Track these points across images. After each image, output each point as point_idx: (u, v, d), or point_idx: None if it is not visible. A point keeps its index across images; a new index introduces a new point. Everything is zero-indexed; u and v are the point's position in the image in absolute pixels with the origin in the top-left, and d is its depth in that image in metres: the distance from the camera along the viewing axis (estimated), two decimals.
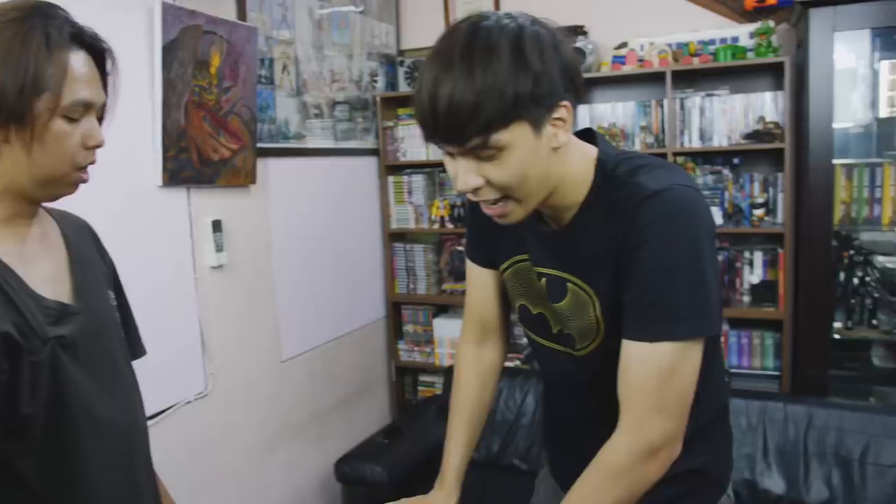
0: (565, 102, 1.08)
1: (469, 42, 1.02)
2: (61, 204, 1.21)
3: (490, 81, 1.00)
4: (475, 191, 1.10)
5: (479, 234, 1.42)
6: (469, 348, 1.53)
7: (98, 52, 1.12)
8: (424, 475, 2.93)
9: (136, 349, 1.40)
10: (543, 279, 1.28)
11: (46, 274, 1.14)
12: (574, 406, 1.39)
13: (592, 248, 1.18)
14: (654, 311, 1.10)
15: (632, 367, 1.13)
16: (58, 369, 1.08)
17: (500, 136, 1.03)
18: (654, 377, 1.11)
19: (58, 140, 1.05)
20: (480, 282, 1.48)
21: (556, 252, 1.25)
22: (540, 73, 1.02)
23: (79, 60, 1.06)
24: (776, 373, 3.10)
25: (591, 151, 1.21)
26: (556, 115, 1.08)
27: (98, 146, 1.11)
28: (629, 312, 1.14)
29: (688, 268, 1.10)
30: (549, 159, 1.10)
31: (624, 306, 1.15)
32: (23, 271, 1.08)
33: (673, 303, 1.10)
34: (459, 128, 1.02)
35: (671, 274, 1.10)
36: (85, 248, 1.27)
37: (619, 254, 1.14)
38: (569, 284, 1.23)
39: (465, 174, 1.09)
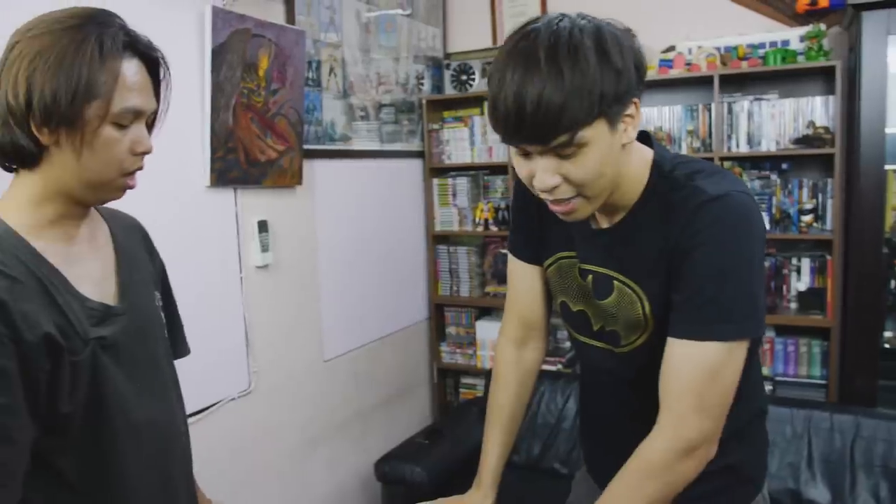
0: (636, 99, 1.11)
1: (553, 42, 1.03)
2: (113, 203, 1.25)
3: (578, 81, 1.01)
4: (552, 189, 1.12)
5: (525, 230, 1.43)
6: (509, 348, 1.53)
7: (152, 61, 1.14)
8: (464, 477, 2.94)
9: (180, 349, 1.43)
10: (590, 276, 1.29)
11: (93, 274, 1.16)
12: (614, 403, 1.39)
13: (644, 246, 1.20)
14: (705, 311, 1.12)
15: (676, 365, 1.14)
16: (98, 370, 1.10)
17: (585, 134, 1.05)
18: (698, 376, 1.12)
19: (107, 146, 1.07)
20: (524, 279, 1.48)
21: (605, 250, 1.26)
22: (621, 70, 1.05)
23: (131, 68, 1.09)
24: (823, 381, 3.04)
25: (648, 153, 1.23)
26: (627, 111, 1.10)
27: (146, 153, 1.13)
28: (678, 312, 1.15)
29: (740, 272, 1.12)
30: (619, 156, 1.13)
31: (672, 305, 1.17)
32: (69, 272, 1.11)
33: (723, 305, 1.12)
34: (547, 127, 1.03)
35: (724, 277, 1.12)
36: (133, 249, 1.29)
37: (671, 254, 1.16)
38: (615, 282, 1.25)
39: (543, 173, 1.10)
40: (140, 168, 1.14)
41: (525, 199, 1.38)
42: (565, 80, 1.01)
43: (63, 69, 1.02)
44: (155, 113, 1.17)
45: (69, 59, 1.02)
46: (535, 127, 1.03)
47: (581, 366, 1.49)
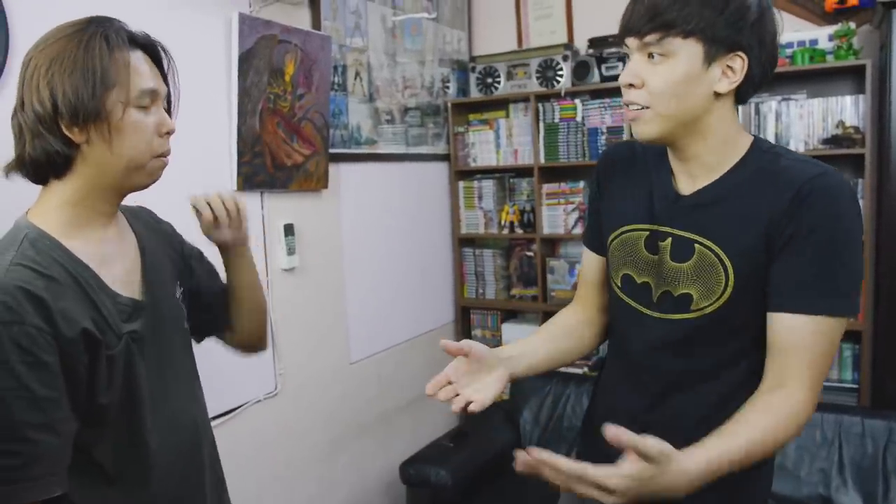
0: (742, 54, 1.18)
1: None
2: (144, 203, 1.30)
3: None
4: (629, 87, 1.22)
5: (592, 219, 1.53)
6: (565, 313, 1.59)
7: (153, 50, 1.21)
8: (488, 480, 2.95)
9: (214, 326, 1.52)
10: (668, 239, 1.31)
11: (121, 273, 1.22)
12: (645, 392, 1.37)
13: (736, 211, 1.24)
14: (827, 286, 1.18)
15: (799, 336, 1.19)
16: (130, 362, 1.17)
17: (675, 42, 1.16)
18: (822, 350, 1.19)
19: (135, 128, 1.14)
20: (590, 268, 1.55)
21: (689, 213, 1.29)
22: (737, 13, 1.16)
23: (137, 58, 1.16)
24: (854, 385, 2.99)
25: (748, 135, 1.31)
26: (729, 62, 1.19)
27: (170, 133, 1.20)
28: (795, 286, 1.20)
29: (856, 249, 1.21)
30: (706, 99, 1.21)
31: (781, 278, 1.21)
32: (101, 270, 1.17)
33: (843, 281, 1.19)
34: (645, 20, 1.17)
35: (844, 253, 1.18)
36: (155, 246, 1.35)
37: (775, 223, 1.20)
38: (697, 245, 1.27)
39: (631, 69, 1.22)
40: (168, 150, 1.21)
41: (594, 187, 1.51)
42: None
43: (78, 67, 1.09)
44: (168, 97, 1.24)
45: (81, 58, 1.09)
46: (638, 18, 1.18)
47: (620, 346, 1.46)
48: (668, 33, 1.16)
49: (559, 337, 1.53)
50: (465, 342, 1.33)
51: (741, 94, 1.25)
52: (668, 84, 1.18)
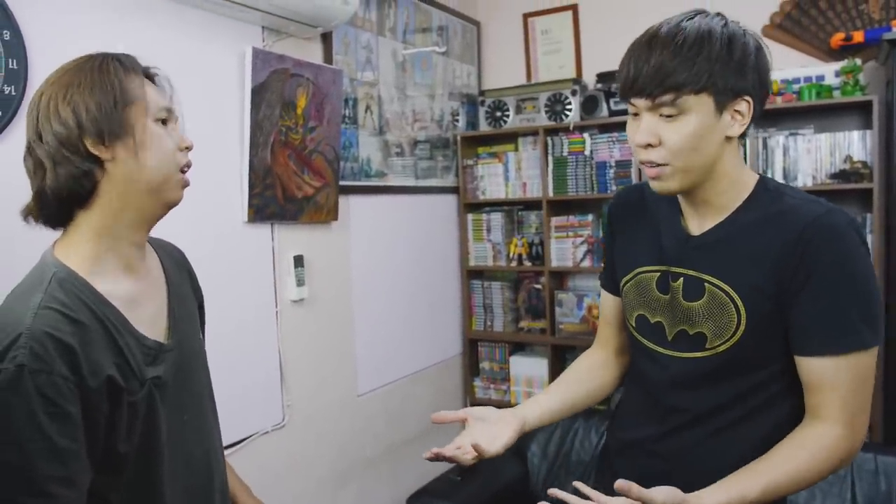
0: (748, 98, 1.21)
1: (686, 26, 1.19)
2: (155, 233, 1.29)
3: (695, 54, 1.16)
4: (646, 147, 1.22)
5: (607, 262, 1.54)
6: (590, 355, 1.62)
7: (155, 80, 1.22)
8: None
9: None
10: (680, 280, 1.32)
11: (149, 313, 1.20)
12: (667, 416, 1.37)
13: (744, 250, 1.26)
14: (846, 322, 1.19)
15: (830, 376, 1.21)
16: (151, 408, 1.14)
17: (688, 100, 1.17)
18: (856, 382, 1.21)
19: (159, 141, 1.14)
20: (609, 309, 1.58)
21: (699, 253, 1.31)
22: (741, 64, 1.18)
23: (148, 83, 1.18)
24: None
25: (753, 173, 1.32)
26: (737, 106, 1.21)
27: (190, 148, 1.20)
28: (812, 329, 1.21)
29: (868, 278, 1.21)
30: (719, 146, 1.23)
31: (798, 322, 1.22)
32: (130, 313, 1.14)
33: (863, 314, 1.19)
34: (656, 83, 1.17)
35: (857, 285, 1.19)
36: (181, 283, 1.33)
37: (783, 264, 1.21)
38: (707, 285, 1.28)
39: (645, 128, 1.22)
40: (189, 164, 1.20)
41: (606, 231, 1.54)
42: (684, 49, 1.16)
43: (97, 86, 1.09)
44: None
45: (98, 80, 1.10)
46: (647, 81, 1.17)
47: (639, 383, 1.48)
48: (681, 93, 1.17)
49: (574, 382, 1.56)
50: (463, 410, 1.42)
51: (743, 133, 1.27)
52: (686, 139, 1.19)
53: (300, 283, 2.63)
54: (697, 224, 1.32)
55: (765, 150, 3.05)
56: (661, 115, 1.20)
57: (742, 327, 1.25)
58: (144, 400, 1.12)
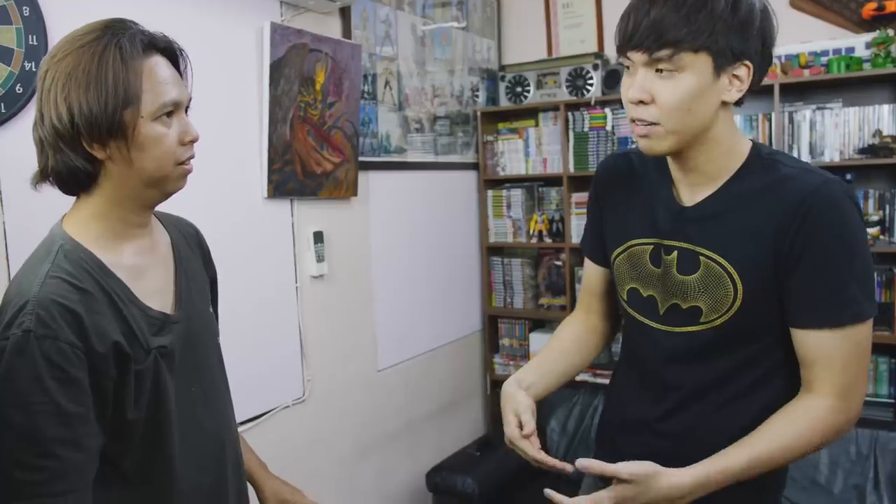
0: (748, 63, 1.18)
1: None
2: (174, 210, 1.28)
3: (697, 11, 1.12)
4: (639, 103, 1.19)
5: (591, 228, 1.53)
6: (571, 320, 1.60)
7: (171, 53, 1.18)
8: (515, 489, 2.94)
9: None
10: (674, 253, 1.30)
11: (154, 285, 1.21)
12: (663, 391, 1.37)
13: (739, 222, 1.24)
14: (844, 295, 1.18)
15: (827, 348, 1.20)
16: (159, 378, 1.15)
17: (685, 58, 1.14)
18: (853, 353, 1.20)
19: (156, 142, 1.12)
20: (591, 276, 1.57)
21: (692, 225, 1.28)
22: (743, 26, 1.15)
23: (159, 64, 1.13)
24: (889, 400, 2.94)
25: (747, 140, 1.30)
26: (736, 71, 1.18)
27: (194, 141, 1.17)
28: (810, 301, 1.20)
29: (864, 251, 1.19)
30: (714, 110, 1.20)
31: (796, 294, 1.21)
32: (134, 284, 1.16)
33: (860, 285, 1.19)
34: (654, 37, 1.14)
35: (855, 259, 1.18)
36: (191, 257, 1.34)
37: (781, 236, 1.19)
38: (702, 258, 1.27)
39: (639, 84, 1.18)
40: (192, 156, 1.18)
41: (592, 200, 1.51)
42: (686, 4, 1.12)
43: (92, 83, 1.06)
44: (190, 100, 1.21)
45: (94, 74, 1.07)
46: (645, 34, 1.14)
47: (633, 356, 1.47)
48: (679, 49, 1.13)
49: (571, 352, 1.54)
50: (526, 429, 1.37)
51: (739, 100, 1.24)
52: (680, 99, 1.16)
53: (320, 258, 2.63)
54: (689, 194, 1.30)
55: (791, 125, 3.00)
56: (656, 72, 1.17)
57: (738, 301, 1.23)
58: (151, 368, 1.14)
